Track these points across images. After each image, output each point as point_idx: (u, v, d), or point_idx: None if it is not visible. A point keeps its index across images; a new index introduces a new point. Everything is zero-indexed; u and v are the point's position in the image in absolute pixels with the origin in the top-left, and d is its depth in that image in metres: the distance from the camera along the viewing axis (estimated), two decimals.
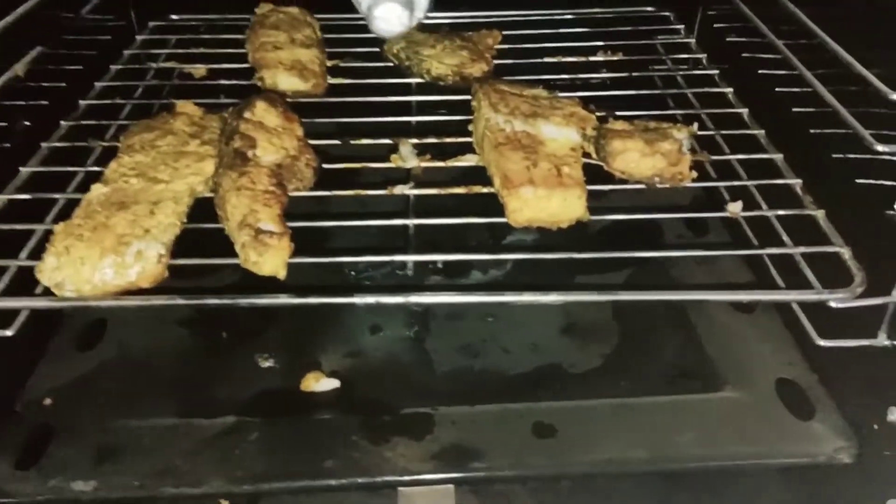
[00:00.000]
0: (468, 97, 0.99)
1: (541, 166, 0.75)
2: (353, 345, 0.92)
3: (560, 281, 0.95)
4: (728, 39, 1.13)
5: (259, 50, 1.02)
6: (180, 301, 0.68)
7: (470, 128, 0.91)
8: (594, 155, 0.81)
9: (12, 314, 0.74)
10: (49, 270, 0.68)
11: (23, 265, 0.74)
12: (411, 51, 1.05)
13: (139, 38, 1.19)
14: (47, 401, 0.82)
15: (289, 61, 1.01)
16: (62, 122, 0.95)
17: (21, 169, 0.85)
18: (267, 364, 0.89)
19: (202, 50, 1.15)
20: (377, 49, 1.12)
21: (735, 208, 0.79)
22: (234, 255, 0.71)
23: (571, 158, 0.77)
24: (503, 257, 0.73)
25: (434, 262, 0.94)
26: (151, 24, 1.23)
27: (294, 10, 1.12)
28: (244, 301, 0.69)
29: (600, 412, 0.81)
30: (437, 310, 0.96)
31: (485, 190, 0.82)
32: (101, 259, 0.68)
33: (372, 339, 0.93)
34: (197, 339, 0.92)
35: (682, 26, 1.20)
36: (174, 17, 1.25)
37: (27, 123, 0.93)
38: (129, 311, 0.93)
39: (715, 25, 1.17)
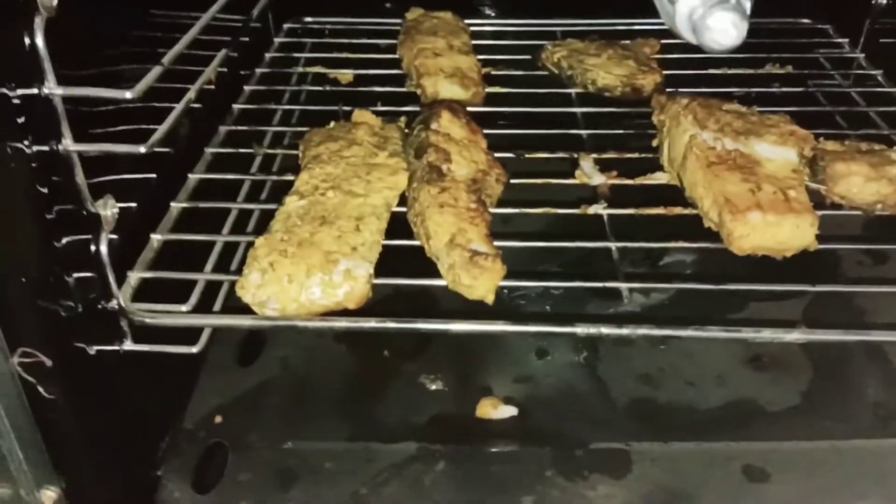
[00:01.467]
0: (637, 109, 0.94)
1: (765, 189, 0.70)
2: (522, 369, 0.87)
3: (732, 310, 0.89)
4: None
5: (418, 57, 0.98)
6: (392, 325, 0.64)
7: (654, 143, 0.85)
8: (809, 177, 0.75)
9: (197, 330, 0.71)
10: (253, 287, 0.64)
11: (212, 279, 0.70)
12: (574, 59, 1.00)
13: (277, 40, 1.16)
14: (218, 418, 0.79)
15: (450, 69, 0.96)
16: (220, 128, 0.92)
17: (190, 175, 0.82)
18: (434, 386, 0.84)
19: (346, 54, 1.11)
20: (529, 57, 1.08)
21: None
22: (426, 273, 0.67)
23: (795, 181, 0.71)
24: (729, 287, 0.67)
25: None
26: (286, 26, 1.20)
27: (447, 15, 1.08)
28: (457, 327, 0.65)
29: (812, 455, 0.74)
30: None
31: (685, 211, 0.76)
32: (309, 277, 0.64)
33: (540, 364, 0.88)
34: (358, 356, 0.88)
35: (845, 40, 1.14)
36: (308, 19, 1.21)
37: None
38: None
39: (882, 41, 1.11)
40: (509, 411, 0.81)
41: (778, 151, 0.74)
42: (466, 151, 0.76)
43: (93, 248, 0.62)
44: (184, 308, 0.66)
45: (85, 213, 0.61)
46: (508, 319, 0.65)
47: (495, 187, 0.76)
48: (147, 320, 0.64)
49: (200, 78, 0.74)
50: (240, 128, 0.94)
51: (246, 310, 0.65)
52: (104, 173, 0.68)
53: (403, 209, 0.73)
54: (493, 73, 1.05)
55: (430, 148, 0.74)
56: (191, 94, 0.69)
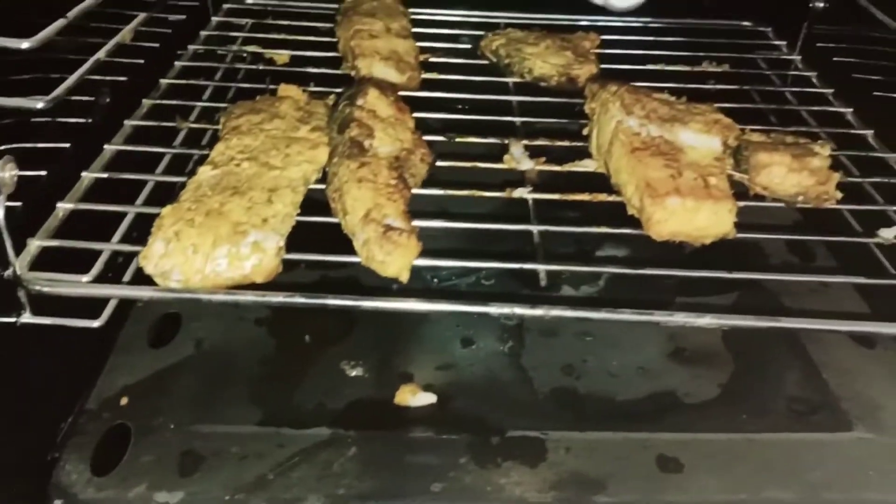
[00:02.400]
0: (573, 100, 0.93)
1: (686, 175, 0.69)
2: (445, 357, 0.85)
3: (662, 300, 0.89)
4: (835, 59, 1.08)
5: (354, 38, 0.96)
6: (300, 300, 0.61)
7: (585, 132, 0.85)
8: (733, 167, 0.75)
9: (100, 303, 0.68)
10: (156, 257, 0.61)
11: (117, 249, 0.67)
12: (512, 48, 0.99)
13: (215, 19, 1.13)
14: (124, 400, 0.75)
15: (386, 51, 0.95)
16: (144, 101, 0.89)
17: (106, 146, 0.79)
18: (354, 372, 0.82)
19: (283, 36, 1.09)
20: (469, 46, 1.07)
21: (889, 234, 0.73)
22: (344, 251, 0.66)
23: (717, 169, 0.71)
24: (646, 272, 0.66)
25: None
26: (226, 6, 1.17)
27: None
28: (368, 304, 0.63)
29: (727, 447, 0.74)
30: (530, 324, 0.90)
31: (610, 198, 0.76)
32: (215, 248, 0.61)
33: (464, 353, 0.86)
34: (278, 340, 0.85)
35: (783, 42, 1.15)
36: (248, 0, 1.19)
37: (108, 100, 0.86)
38: (208, 306, 0.87)
39: (818, 45, 1.12)
40: (428, 399, 0.79)
41: (702, 139, 0.74)
42: (392, 129, 0.75)
43: None
44: (84, 278, 0.63)
45: None
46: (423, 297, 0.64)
47: (419, 167, 0.75)
48: (44, 289, 0.61)
49: (115, 38, 0.71)
50: (166, 101, 0.91)
51: (152, 283, 0.63)
52: (16, 140, 0.65)
53: (323, 186, 0.71)
54: (432, 59, 1.03)
55: (352, 123, 0.73)
56: (101, 54, 0.67)
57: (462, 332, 0.88)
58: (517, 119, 0.91)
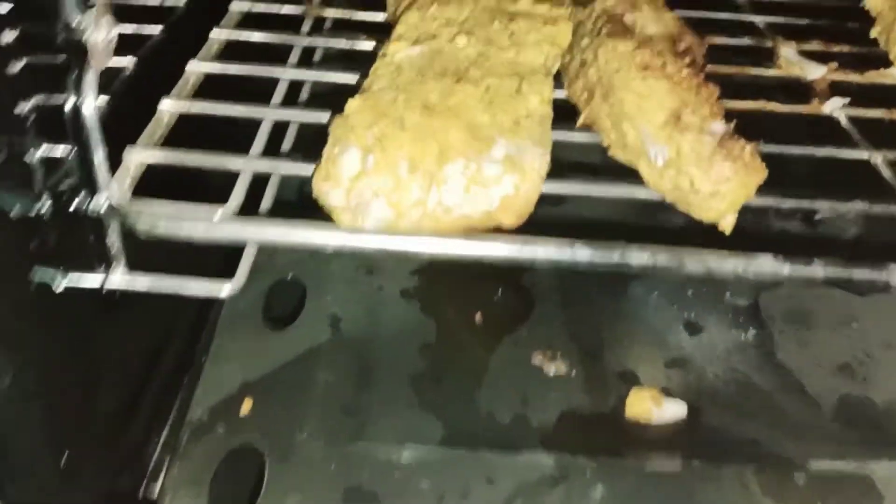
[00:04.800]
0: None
1: None
2: (671, 349, 0.61)
3: None
4: None
5: None
6: (590, 251, 0.36)
7: (874, 33, 0.60)
8: None
9: (215, 259, 0.43)
10: (345, 179, 0.36)
11: (266, 171, 0.42)
12: None
13: None
14: (246, 405, 0.51)
15: None
16: None
17: (213, 33, 0.53)
18: (555, 369, 0.58)
19: None
20: None
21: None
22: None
23: None
24: None
25: None
26: None
27: None
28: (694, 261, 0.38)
29: None
30: (769, 305, 0.66)
31: None
32: (444, 165, 0.36)
33: (695, 343, 0.62)
34: (438, 320, 0.61)
35: None
36: None
37: None
38: (335, 271, 0.63)
39: None
40: (677, 410, 0.55)
41: None
42: (651, 5, 0.49)
43: (72, 100, 0.35)
44: (218, 213, 0.38)
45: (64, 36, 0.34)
46: None
47: (700, 57, 0.50)
48: (160, 230, 0.36)
49: None
50: None
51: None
52: None
53: None
54: None
55: None
56: None
57: (683, 315, 0.64)
58: (758, 17, 0.66)
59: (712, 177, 0.38)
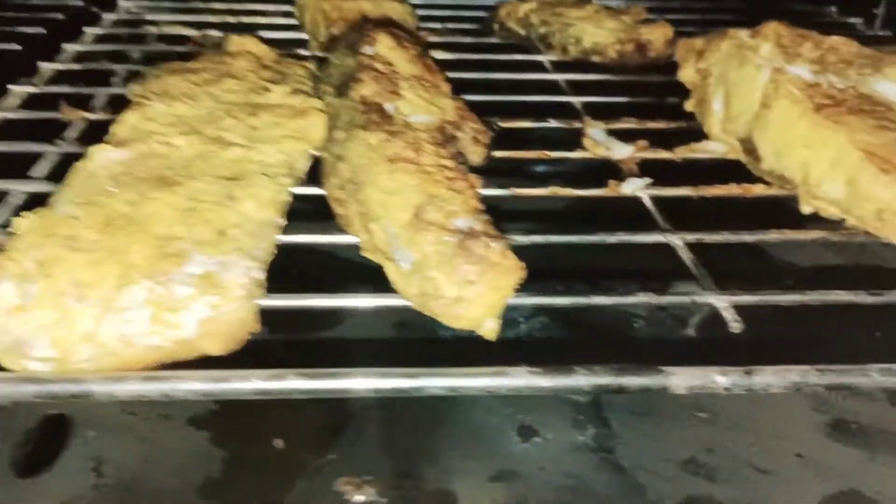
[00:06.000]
0: (645, 77, 0.67)
1: None
2: (499, 459, 0.55)
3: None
4: None
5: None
6: (317, 384, 0.30)
7: (689, 106, 0.57)
8: None
9: None
10: (1, 312, 0.29)
11: None
12: (549, 14, 0.72)
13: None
14: None
15: (375, 16, 0.66)
16: (14, 88, 0.58)
17: None
18: (361, 497, 0.51)
19: (218, 18, 0.79)
20: (480, 13, 0.80)
21: None
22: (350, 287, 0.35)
23: None
24: None
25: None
26: None
27: None
28: (471, 382, 0.32)
29: None
30: (612, 399, 0.61)
31: (771, 191, 0.48)
32: (122, 290, 0.30)
33: (527, 450, 0.56)
34: (229, 449, 0.53)
35: (858, 20, 0.92)
36: None
37: None
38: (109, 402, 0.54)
39: None
40: None
41: None
42: (423, 92, 0.45)
43: None
44: None
45: None
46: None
47: (472, 152, 0.46)
48: None
49: None
50: (49, 89, 0.59)
51: None
52: None
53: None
54: (432, 38, 0.75)
55: (362, 74, 0.43)
56: None
57: (516, 418, 0.58)
58: (574, 98, 0.63)
59: (455, 280, 0.33)
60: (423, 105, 0.44)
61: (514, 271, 0.33)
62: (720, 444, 0.57)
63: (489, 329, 0.34)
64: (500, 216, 0.40)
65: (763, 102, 0.49)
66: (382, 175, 0.37)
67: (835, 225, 0.44)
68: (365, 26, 0.49)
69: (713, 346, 0.57)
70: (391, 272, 0.35)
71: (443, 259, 0.33)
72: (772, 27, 0.50)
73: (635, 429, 0.59)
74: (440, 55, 0.70)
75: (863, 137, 0.42)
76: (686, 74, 0.58)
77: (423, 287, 0.34)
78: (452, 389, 0.31)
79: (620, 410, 0.60)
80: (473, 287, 0.33)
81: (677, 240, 0.43)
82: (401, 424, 0.56)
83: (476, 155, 0.46)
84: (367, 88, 0.42)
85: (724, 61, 0.53)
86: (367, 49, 0.46)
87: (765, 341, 0.40)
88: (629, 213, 0.49)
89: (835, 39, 0.49)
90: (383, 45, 0.47)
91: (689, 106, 0.58)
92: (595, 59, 0.70)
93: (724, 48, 0.53)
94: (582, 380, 0.32)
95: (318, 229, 0.39)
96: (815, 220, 0.47)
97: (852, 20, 0.93)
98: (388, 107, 0.42)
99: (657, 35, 0.67)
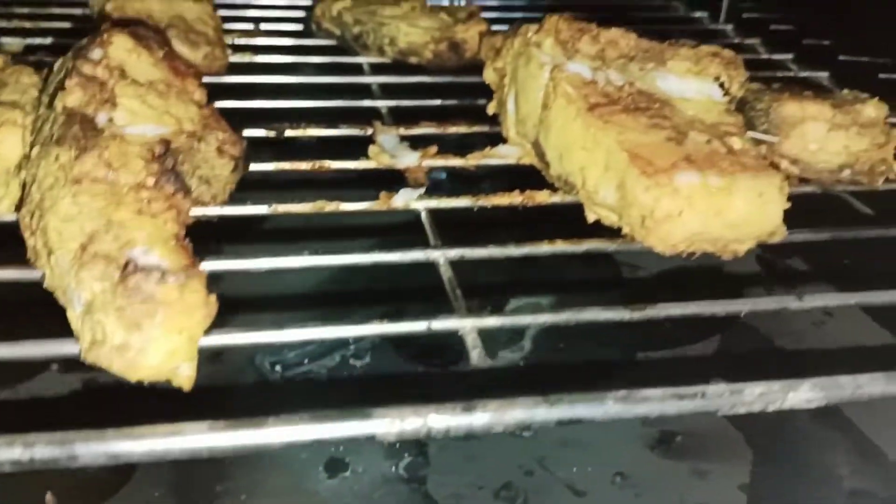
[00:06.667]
0: (459, 78, 0.63)
1: (692, 139, 0.40)
2: (302, 498, 0.50)
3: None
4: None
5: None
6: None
7: (491, 109, 0.54)
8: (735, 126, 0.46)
9: None
10: None
11: None
12: (362, 11, 0.67)
13: None
14: None
15: (166, 17, 0.61)
16: None
17: None
18: None
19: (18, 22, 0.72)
20: (300, 13, 0.75)
21: None
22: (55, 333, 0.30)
23: (732, 127, 0.42)
24: (656, 312, 0.35)
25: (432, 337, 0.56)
26: None
27: None
28: (147, 446, 0.27)
29: None
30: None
31: (554, 199, 0.45)
32: None
33: (334, 486, 0.52)
34: None
35: (703, 14, 0.92)
36: None
37: None
38: None
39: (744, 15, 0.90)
40: None
41: (695, 85, 0.45)
42: (157, 99, 0.40)
43: None
44: None
45: None
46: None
47: (218, 165, 0.41)
48: None
49: None
50: None
51: None
52: None
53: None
54: (238, 41, 0.70)
55: (69, 81, 0.38)
56: None
57: (325, 452, 0.54)
58: (381, 102, 0.59)
59: (123, 325, 0.28)
60: (150, 114, 0.39)
61: (198, 308, 0.29)
62: (541, 465, 0.54)
63: (184, 377, 0.29)
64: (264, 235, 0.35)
65: (544, 103, 0.45)
66: (66, 199, 0.32)
67: (613, 234, 0.42)
68: (103, 28, 0.44)
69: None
70: (70, 316, 0.30)
71: (107, 299, 0.28)
72: (552, 21, 0.47)
73: (453, 453, 0.55)
74: (244, 59, 0.65)
75: (631, 137, 0.39)
76: (487, 74, 0.55)
77: (94, 330, 0.29)
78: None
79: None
80: (142, 332, 0.28)
81: (439, 256, 0.39)
82: (183, 471, 0.51)
83: (224, 169, 0.41)
84: (71, 97, 0.37)
85: (514, 59, 0.50)
86: (94, 52, 0.41)
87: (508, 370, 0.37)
88: (408, 228, 0.45)
89: (613, 32, 0.46)
90: (119, 48, 0.42)
91: (489, 108, 0.54)
92: (413, 60, 0.66)
93: (516, 45, 0.50)
94: (272, 433, 0.28)
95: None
96: (603, 229, 0.44)
97: (698, 14, 0.92)
98: (101, 117, 0.37)
99: (471, 34, 0.64)
